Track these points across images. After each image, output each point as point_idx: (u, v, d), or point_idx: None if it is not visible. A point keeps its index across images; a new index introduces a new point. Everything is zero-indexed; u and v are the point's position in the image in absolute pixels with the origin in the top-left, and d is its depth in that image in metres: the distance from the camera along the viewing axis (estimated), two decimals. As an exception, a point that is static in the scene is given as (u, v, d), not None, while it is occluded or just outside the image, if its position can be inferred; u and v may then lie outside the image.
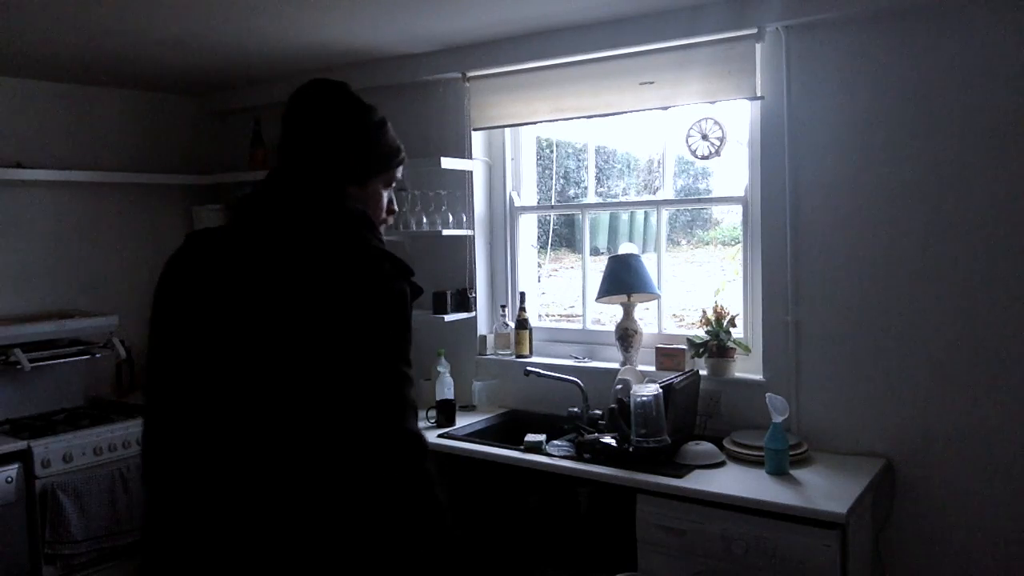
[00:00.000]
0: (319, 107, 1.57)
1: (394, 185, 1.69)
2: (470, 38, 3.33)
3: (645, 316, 3.29)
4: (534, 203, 3.70)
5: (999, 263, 2.51)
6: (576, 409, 3.08)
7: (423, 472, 1.55)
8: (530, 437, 2.91)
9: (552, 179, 3.75)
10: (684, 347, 3.08)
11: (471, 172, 3.59)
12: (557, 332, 3.59)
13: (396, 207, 1.73)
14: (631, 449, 2.69)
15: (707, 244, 3.45)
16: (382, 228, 1.64)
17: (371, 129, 1.61)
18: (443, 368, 3.47)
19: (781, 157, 2.84)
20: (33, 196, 3.78)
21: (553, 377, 3.18)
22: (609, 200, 3.56)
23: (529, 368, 3.24)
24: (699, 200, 3.33)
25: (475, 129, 3.56)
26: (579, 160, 3.69)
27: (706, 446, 2.70)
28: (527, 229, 3.70)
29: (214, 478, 1.40)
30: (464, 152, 3.58)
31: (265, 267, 1.44)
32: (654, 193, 3.42)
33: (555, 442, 2.89)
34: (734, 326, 3.01)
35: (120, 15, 2.85)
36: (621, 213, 3.68)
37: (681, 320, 3.39)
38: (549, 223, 3.77)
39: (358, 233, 1.51)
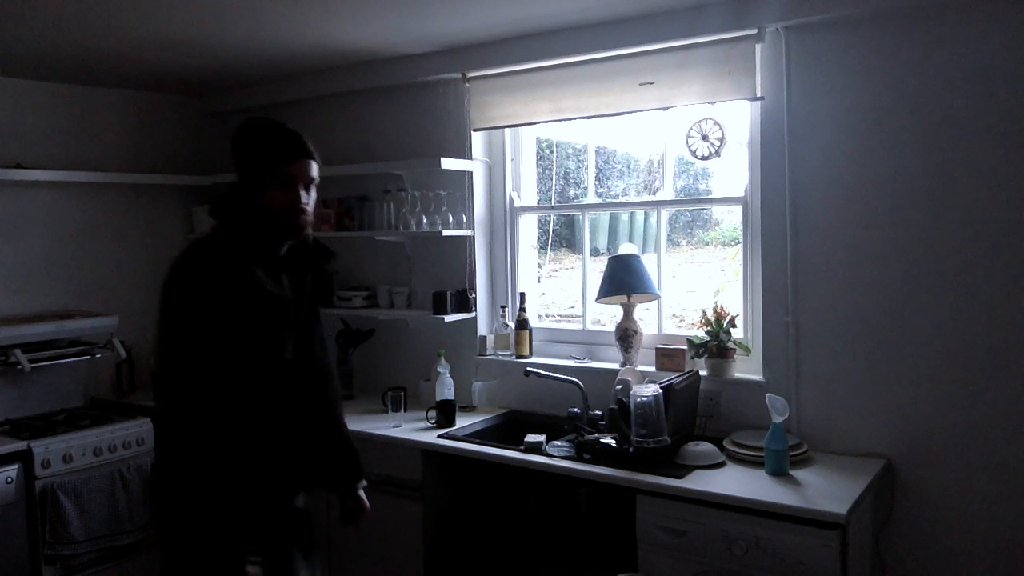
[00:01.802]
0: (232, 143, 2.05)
1: (313, 180, 1.99)
2: (470, 39, 3.33)
3: (645, 317, 3.29)
4: (534, 203, 3.70)
5: (999, 263, 2.51)
6: (576, 410, 3.08)
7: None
8: (530, 437, 2.91)
9: (552, 179, 3.75)
10: (684, 348, 3.08)
11: (471, 172, 3.59)
12: (557, 333, 3.59)
13: (305, 203, 1.98)
14: (631, 449, 2.69)
15: (707, 245, 3.45)
16: (301, 222, 1.96)
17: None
18: (443, 368, 3.47)
19: (781, 157, 2.84)
20: (33, 196, 3.78)
21: (553, 378, 3.18)
22: (609, 200, 3.56)
23: (529, 369, 3.25)
24: (699, 200, 3.33)
25: (475, 130, 3.56)
26: (579, 160, 3.69)
27: (706, 446, 2.70)
28: (527, 229, 3.70)
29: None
30: (464, 153, 3.58)
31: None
32: (654, 193, 3.42)
33: (555, 443, 2.89)
34: (734, 326, 3.02)
35: (120, 15, 2.85)
36: (621, 214, 3.68)
37: (681, 321, 3.39)
38: (549, 223, 3.77)
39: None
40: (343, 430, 2.27)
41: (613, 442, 2.75)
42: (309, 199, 2.00)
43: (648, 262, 3.25)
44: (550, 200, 3.71)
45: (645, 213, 3.56)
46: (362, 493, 2.27)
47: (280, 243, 2.02)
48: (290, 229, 1.98)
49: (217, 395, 1.86)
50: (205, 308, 1.85)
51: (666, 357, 3.11)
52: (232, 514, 1.85)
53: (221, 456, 1.86)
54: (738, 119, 3.07)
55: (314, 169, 2.01)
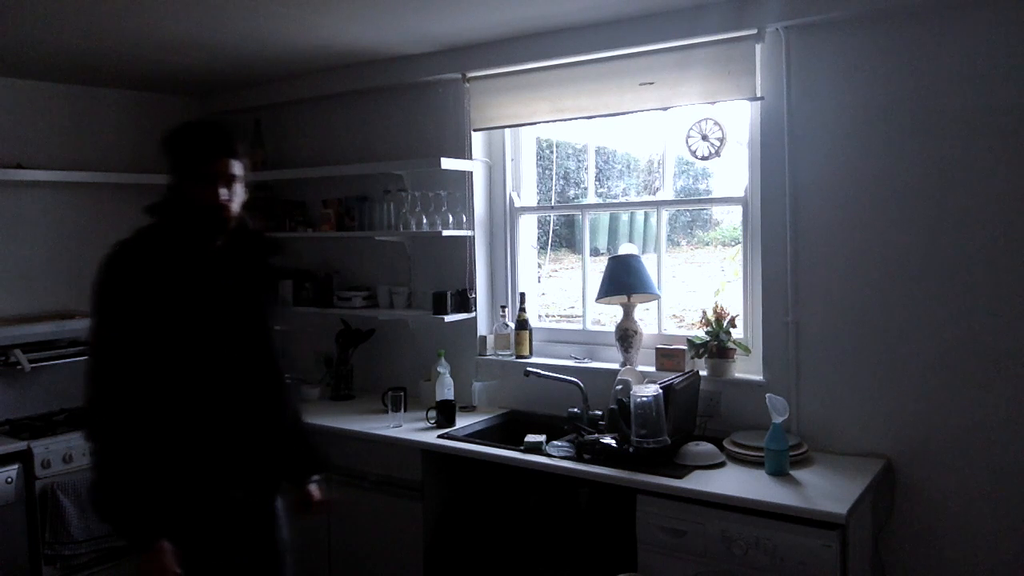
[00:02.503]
0: None
1: (235, 177, 2.06)
2: (470, 39, 3.33)
3: (645, 317, 3.28)
4: (534, 204, 3.70)
5: (999, 263, 2.51)
6: (576, 410, 3.08)
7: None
8: (530, 438, 2.91)
9: (552, 180, 3.75)
10: (684, 348, 3.08)
11: (471, 173, 3.59)
12: (557, 333, 3.59)
13: (227, 198, 2.05)
14: (631, 450, 2.69)
15: (707, 245, 3.45)
16: (223, 217, 2.05)
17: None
18: (443, 369, 3.47)
19: (781, 157, 2.84)
20: (33, 196, 3.78)
21: (553, 378, 3.18)
22: (609, 201, 3.56)
23: (529, 369, 3.25)
24: (699, 201, 3.33)
25: (475, 130, 3.56)
26: (579, 161, 3.69)
27: (706, 446, 2.70)
28: (527, 230, 3.70)
29: None
30: (464, 153, 3.58)
31: None
32: (654, 194, 3.42)
33: (555, 443, 2.89)
34: (734, 327, 3.01)
35: (120, 15, 2.85)
36: (621, 214, 3.68)
37: (681, 321, 3.39)
38: (549, 224, 3.77)
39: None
40: (296, 422, 2.29)
41: (613, 442, 2.75)
42: (232, 194, 2.07)
43: (648, 262, 3.25)
44: (550, 200, 3.71)
45: (645, 213, 3.56)
46: (314, 487, 2.27)
47: (209, 237, 2.09)
48: (213, 223, 2.06)
49: (132, 389, 1.96)
50: (122, 304, 1.98)
51: (666, 357, 3.11)
52: (147, 503, 1.93)
53: (135, 447, 1.95)
54: (738, 119, 3.07)
55: (235, 167, 2.08)
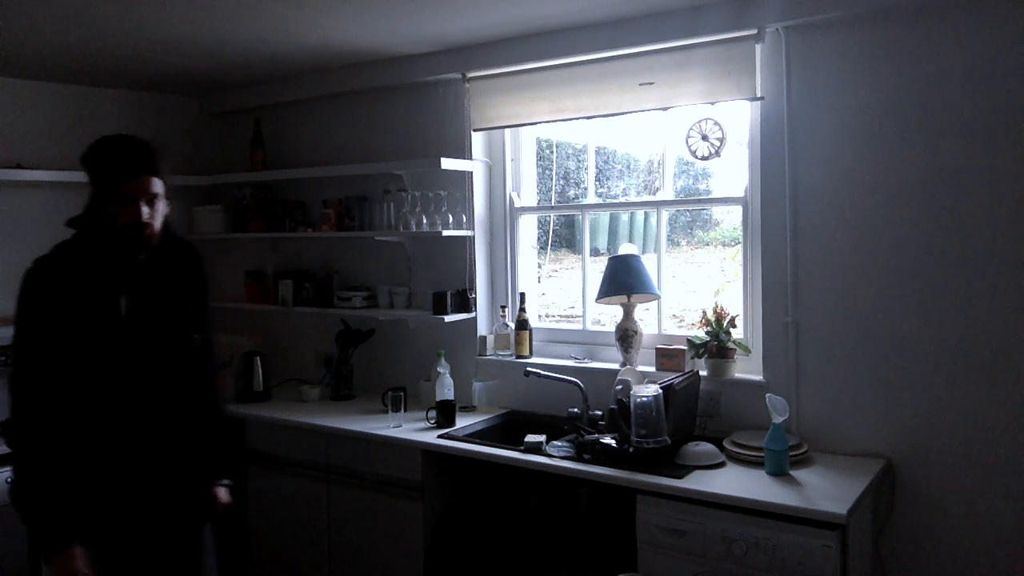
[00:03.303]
0: None
1: (156, 195, 2.09)
2: (470, 39, 3.33)
3: (645, 317, 3.28)
4: (534, 204, 3.70)
5: (999, 263, 2.51)
6: (576, 410, 3.08)
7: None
8: (530, 438, 2.91)
9: (552, 180, 3.75)
10: (684, 348, 3.08)
11: (471, 173, 3.59)
12: (557, 333, 3.59)
13: (148, 217, 2.07)
14: (631, 450, 2.69)
15: (707, 245, 3.46)
16: (143, 235, 2.07)
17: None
18: (443, 369, 3.47)
19: (781, 158, 2.84)
20: (33, 196, 3.78)
21: (553, 378, 3.18)
22: (609, 201, 3.56)
23: (529, 369, 3.24)
24: (699, 201, 3.33)
25: (475, 130, 3.56)
26: (579, 161, 3.69)
27: (706, 447, 2.70)
28: (527, 230, 3.70)
29: None
30: (464, 153, 3.58)
31: None
32: (654, 194, 3.42)
33: (555, 443, 2.89)
34: (734, 327, 3.01)
35: (120, 15, 2.85)
36: (621, 214, 3.68)
37: (681, 321, 3.39)
38: (549, 224, 3.77)
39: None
40: (213, 427, 2.33)
41: (613, 442, 2.75)
42: (153, 212, 2.09)
43: (648, 262, 3.25)
44: (550, 200, 3.71)
45: (645, 213, 3.56)
46: (221, 491, 2.34)
47: (129, 254, 2.13)
48: (132, 242, 2.09)
49: (50, 397, 2.03)
50: (37, 318, 2.06)
51: (666, 357, 3.11)
52: (62, 508, 2.00)
53: (53, 452, 2.02)
54: (738, 119, 3.07)
55: (156, 185, 2.10)
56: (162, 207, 2.13)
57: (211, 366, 2.41)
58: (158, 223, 2.12)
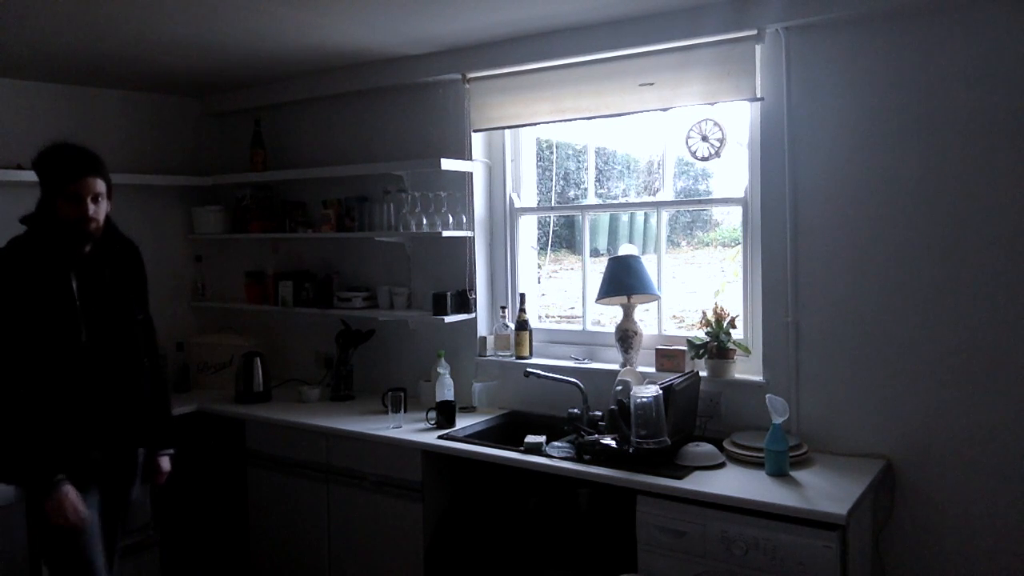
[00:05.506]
0: None
1: (100, 194, 2.42)
2: (470, 39, 3.33)
3: (645, 317, 3.28)
4: (534, 204, 3.70)
5: (1000, 263, 2.51)
6: (576, 410, 3.08)
7: None
8: (530, 438, 2.91)
9: (552, 180, 3.75)
10: (684, 348, 3.08)
11: (471, 173, 3.59)
12: (557, 333, 3.59)
13: (93, 214, 2.41)
14: (631, 450, 2.69)
15: (707, 245, 3.46)
16: (89, 230, 2.41)
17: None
18: (443, 369, 3.47)
19: (781, 158, 2.84)
20: (33, 196, 3.76)
21: (553, 378, 3.18)
22: (609, 201, 3.57)
23: (529, 369, 3.24)
24: (699, 201, 3.33)
25: (475, 130, 3.56)
26: (579, 161, 3.69)
27: (706, 447, 2.70)
28: (527, 230, 3.70)
29: None
30: (464, 153, 3.58)
31: None
32: (654, 194, 3.42)
33: (555, 443, 2.89)
34: (734, 327, 3.01)
35: (120, 16, 2.85)
36: (621, 214, 3.68)
37: (681, 321, 3.39)
38: (549, 224, 3.77)
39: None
40: (155, 400, 2.68)
41: (613, 443, 2.75)
42: (98, 208, 2.43)
43: (648, 263, 3.25)
44: (550, 201, 3.71)
45: (645, 214, 3.56)
46: (164, 460, 2.74)
47: (75, 246, 2.45)
48: (80, 235, 2.43)
49: (13, 370, 2.37)
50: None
51: (666, 358, 3.11)
52: (42, 455, 2.37)
53: (23, 414, 2.37)
54: (738, 120, 3.07)
55: (99, 185, 2.43)
56: (105, 205, 2.46)
57: (153, 343, 2.74)
58: (102, 219, 2.45)
